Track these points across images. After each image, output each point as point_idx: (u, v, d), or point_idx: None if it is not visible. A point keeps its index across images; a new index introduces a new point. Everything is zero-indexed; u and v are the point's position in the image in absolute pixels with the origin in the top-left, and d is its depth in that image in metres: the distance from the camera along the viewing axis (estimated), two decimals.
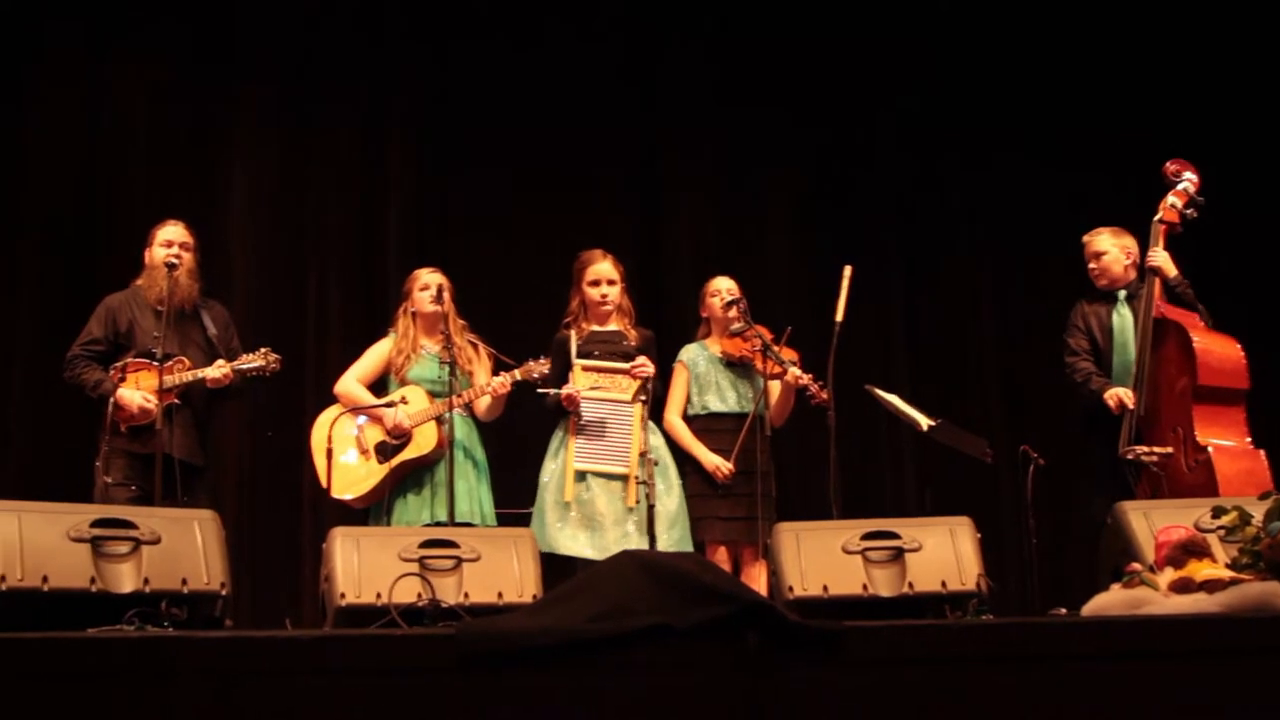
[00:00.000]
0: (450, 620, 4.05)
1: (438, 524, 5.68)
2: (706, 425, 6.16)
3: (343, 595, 4.22)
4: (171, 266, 5.79)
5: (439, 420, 5.88)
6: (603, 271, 6.10)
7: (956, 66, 8.23)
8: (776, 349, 5.90)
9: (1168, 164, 6.26)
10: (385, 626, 3.93)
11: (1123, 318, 6.23)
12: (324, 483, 5.85)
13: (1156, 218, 6.14)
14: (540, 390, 5.92)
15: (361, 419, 5.99)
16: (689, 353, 6.31)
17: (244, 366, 5.85)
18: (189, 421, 5.86)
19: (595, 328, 6.09)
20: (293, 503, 7.24)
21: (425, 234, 7.71)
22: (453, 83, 7.88)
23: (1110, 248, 6.27)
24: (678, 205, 8.10)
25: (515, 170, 7.75)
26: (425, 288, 6.06)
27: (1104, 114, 8.06)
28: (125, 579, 3.94)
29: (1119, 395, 5.97)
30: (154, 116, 7.48)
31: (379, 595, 4.17)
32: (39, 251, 7.26)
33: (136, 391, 5.69)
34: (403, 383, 6.04)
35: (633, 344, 6.07)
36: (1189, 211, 6.13)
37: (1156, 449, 5.79)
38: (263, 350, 5.90)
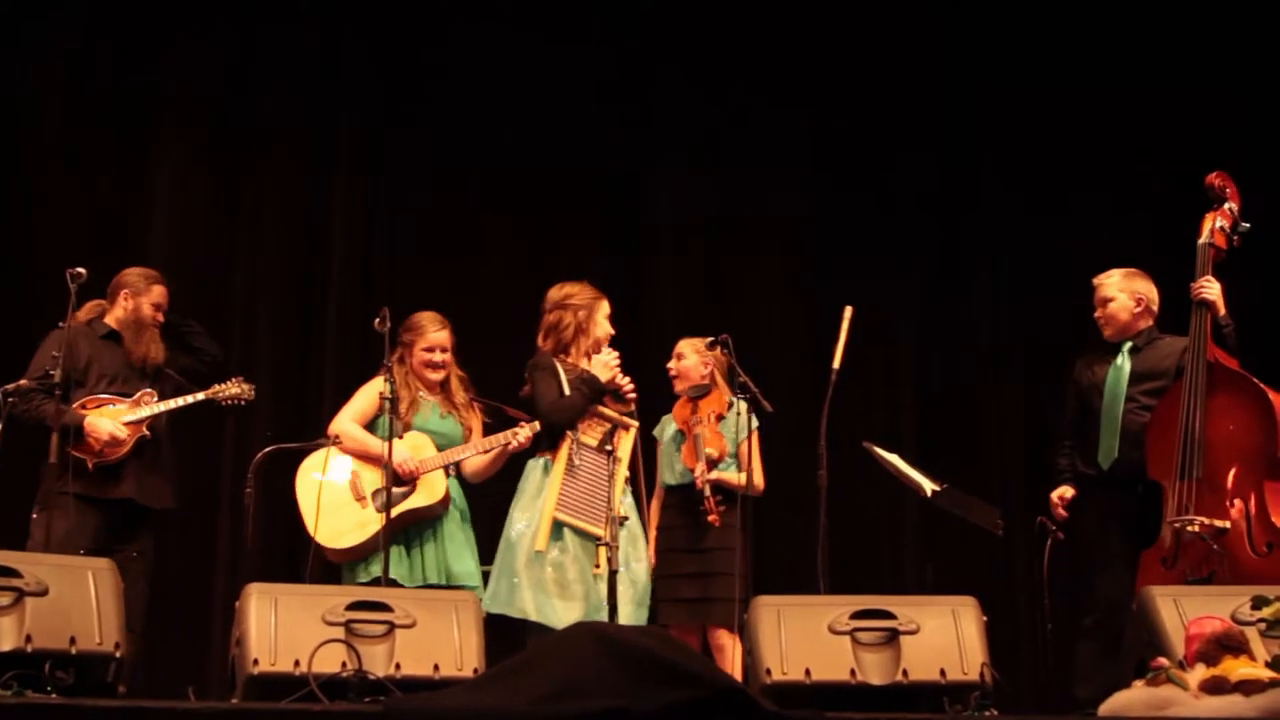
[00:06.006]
0: (378, 695, 4.10)
1: (429, 586, 5.64)
2: (663, 500, 6.23)
3: (255, 662, 4.19)
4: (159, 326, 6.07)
5: (447, 470, 5.84)
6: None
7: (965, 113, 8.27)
8: (706, 432, 5.95)
9: (1212, 176, 5.88)
10: (302, 700, 3.99)
11: (1118, 369, 5.97)
12: (312, 529, 5.75)
13: (1202, 240, 5.76)
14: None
15: (354, 464, 5.88)
16: (660, 424, 6.36)
17: (222, 395, 5.98)
18: (156, 460, 5.96)
19: (583, 364, 5.90)
20: (206, 553, 7.24)
21: (370, 269, 7.80)
22: (407, 112, 7.99)
23: (1118, 294, 5.98)
24: (658, 243, 8.20)
25: (475, 203, 7.89)
26: (430, 350, 5.95)
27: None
28: (4, 636, 3.92)
29: (1059, 493, 5.90)
30: (76, 122, 7.63)
31: (297, 663, 4.16)
32: None
33: (106, 419, 5.75)
34: (407, 427, 5.94)
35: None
36: (1234, 237, 5.78)
37: (1214, 520, 5.36)
38: (237, 378, 6.05)
